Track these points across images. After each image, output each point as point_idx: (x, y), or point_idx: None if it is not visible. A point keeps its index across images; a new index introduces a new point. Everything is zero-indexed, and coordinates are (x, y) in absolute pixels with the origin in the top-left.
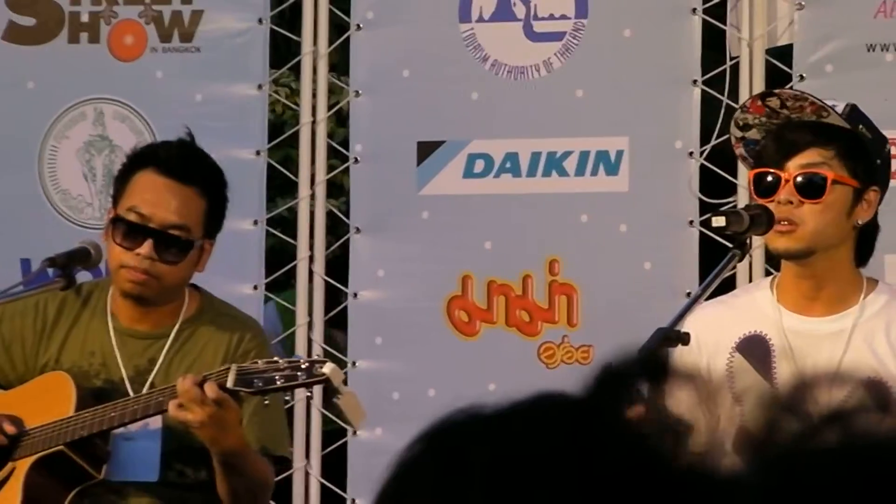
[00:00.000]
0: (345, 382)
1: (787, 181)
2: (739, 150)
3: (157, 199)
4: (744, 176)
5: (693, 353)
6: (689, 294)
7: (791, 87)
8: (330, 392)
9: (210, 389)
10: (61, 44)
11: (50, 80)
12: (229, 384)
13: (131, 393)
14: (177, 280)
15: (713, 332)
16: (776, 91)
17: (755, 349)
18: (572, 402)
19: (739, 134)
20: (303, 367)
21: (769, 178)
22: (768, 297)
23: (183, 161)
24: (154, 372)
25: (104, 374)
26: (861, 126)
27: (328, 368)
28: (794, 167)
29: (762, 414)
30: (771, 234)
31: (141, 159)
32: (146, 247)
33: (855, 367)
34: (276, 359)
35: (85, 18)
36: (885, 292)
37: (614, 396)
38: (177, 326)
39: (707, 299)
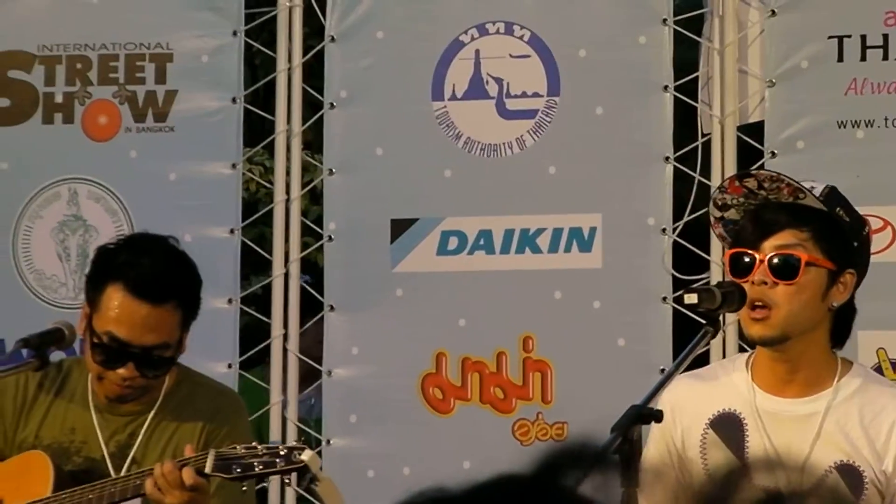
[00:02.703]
0: (320, 454)
1: (761, 262)
2: (718, 230)
3: (132, 323)
4: (717, 252)
5: (668, 425)
6: (662, 370)
7: (763, 164)
8: (308, 478)
9: (188, 476)
10: (35, 124)
11: (24, 160)
12: (207, 469)
13: (111, 470)
14: (160, 382)
15: (689, 406)
16: (753, 172)
17: (728, 426)
18: (531, 482)
19: (718, 214)
20: (281, 453)
21: (745, 259)
22: (743, 376)
23: (154, 281)
24: (135, 447)
25: (85, 451)
26: (839, 208)
27: (306, 455)
28: (769, 248)
29: (697, 498)
30: (746, 320)
31: (111, 273)
32: (128, 368)
33: (828, 449)
34: (254, 444)
35: (59, 99)
36: (859, 375)
37: (562, 476)
38: (158, 402)
39: (684, 372)
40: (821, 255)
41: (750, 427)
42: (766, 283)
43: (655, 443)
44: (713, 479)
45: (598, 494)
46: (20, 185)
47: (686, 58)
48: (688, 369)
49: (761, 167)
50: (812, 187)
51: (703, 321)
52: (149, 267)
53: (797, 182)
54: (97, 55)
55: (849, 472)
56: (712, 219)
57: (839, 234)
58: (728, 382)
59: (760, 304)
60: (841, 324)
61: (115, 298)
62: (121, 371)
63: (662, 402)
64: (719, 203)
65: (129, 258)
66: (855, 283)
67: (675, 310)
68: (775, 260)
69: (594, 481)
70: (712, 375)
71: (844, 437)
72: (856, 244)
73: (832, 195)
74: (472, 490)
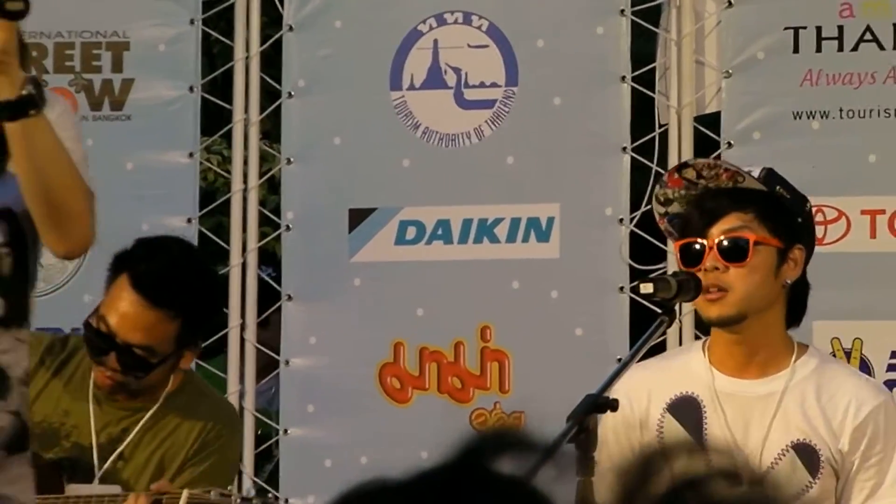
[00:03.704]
0: (276, 446)
1: (710, 248)
2: (664, 225)
3: (124, 316)
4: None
5: (625, 413)
6: (619, 360)
7: (720, 154)
8: None
9: None
10: None
11: None
12: None
13: (96, 462)
14: (149, 384)
15: (644, 392)
16: (690, 162)
17: (686, 410)
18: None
19: (662, 210)
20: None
21: (694, 247)
22: (700, 358)
23: (158, 284)
24: (125, 442)
25: (74, 436)
26: (778, 187)
27: None
28: (717, 233)
29: (621, 481)
30: (702, 302)
31: (126, 262)
32: (111, 359)
33: (786, 428)
34: (229, 490)
35: None
36: (815, 356)
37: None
38: (158, 403)
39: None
40: (768, 234)
41: (708, 409)
42: (717, 269)
43: (612, 431)
44: (630, 463)
45: (553, 483)
46: None
47: (643, 48)
48: (643, 358)
49: (718, 157)
50: (749, 171)
51: (660, 310)
52: (159, 267)
53: (734, 166)
54: (53, 43)
55: (805, 451)
56: (657, 215)
57: (782, 211)
58: (684, 367)
59: (715, 288)
60: (796, 301)
61: (121, 288)
62: (105, 360)
63: (617, 391)
64: (661, 199)
65: (147, 254)
66: (805, 259)
67: (631, 300)
68: (724, 244)
69: (548, 470)
70: (668, 362)
71: (802, 416)
72: (800, 220)
73: (770, 175)
74: (413, 478)
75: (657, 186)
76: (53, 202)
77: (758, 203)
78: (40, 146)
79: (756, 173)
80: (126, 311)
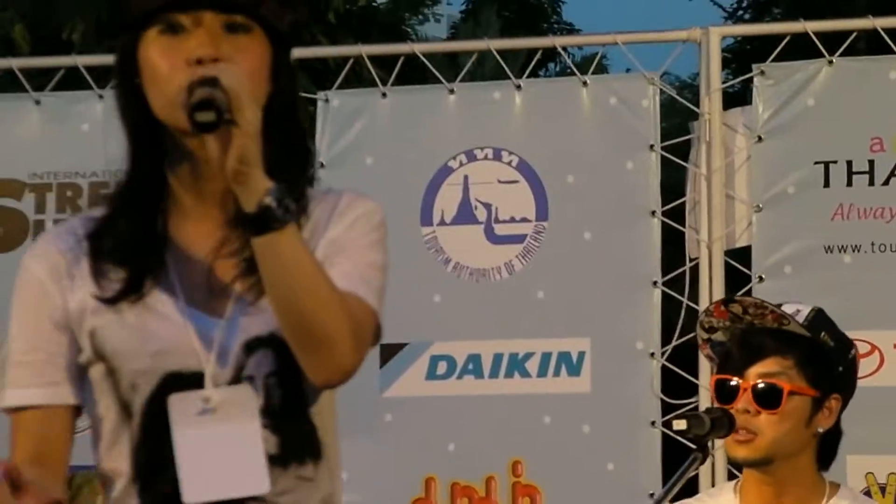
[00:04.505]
0: None
1: (745, 390)
2: (706, 351)
3: None
4: (706, 376)
5: None
6: (651, 495)
7: (750, 289)
8: None
9: None
10: (25, 252)
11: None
12: None
13: None
14: None
15: None
16: (737, 298)
17: None
18: None
19: (705, 336)
20: None
21: (730, 385)
22: (731, 499)
23: None
24: None
25: None
26: (823, 333)
27: None
28: (753, 376)
29: None
30: (730, 442)
31: None
32: None
33: None
34: None
35: (50, 226)
36: (846, 497)
37: None
38: None
39: (671, 501)
40: (804, 383)
41: None
42: (749, 412)
43: None
44: None
45: None
46: (7, 311)
47: (673, 181)
48: (677, 496)
49: (749, 292)
50: (798, 310)
51: (693, 446)
52: None
53: (781, 310)
54: (88, 182)
55: None
56: (700, 340)
57: (824, 359)
58: None
59: (745, 430)
60: (827, 447)
61: None
62: None
63: None
64: (706, 326)
65: None
66: (840, 407)
67: (664, 434)
68: (759, 387)
69: None
70: (699, 502)
71: None
72: (841, 368)
73: (817, 319)
74: None
75: (702, 314)
76: (304, 324)
77: (799, 349)
78: (287, 262)
79: (804, 315)
80: None
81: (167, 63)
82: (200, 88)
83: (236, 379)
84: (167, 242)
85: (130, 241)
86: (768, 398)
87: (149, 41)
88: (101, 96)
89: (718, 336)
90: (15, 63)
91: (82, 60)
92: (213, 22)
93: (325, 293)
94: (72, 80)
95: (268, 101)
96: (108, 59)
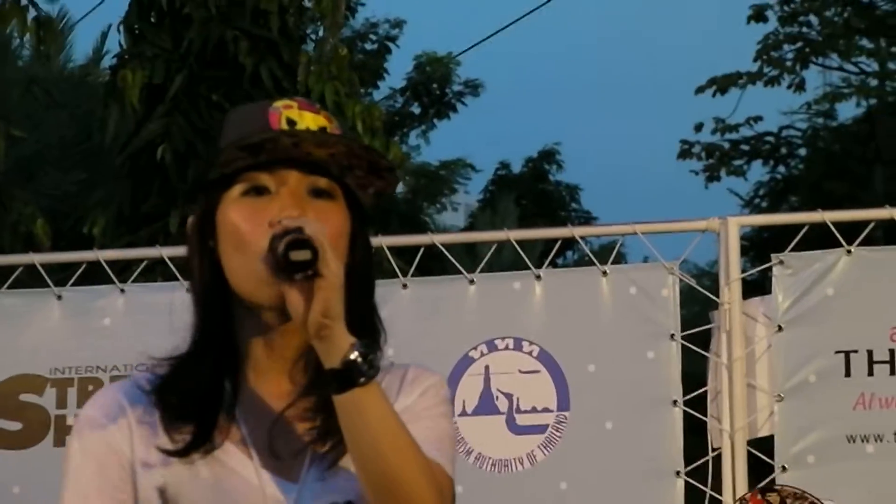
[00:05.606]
0: None
1: None
2: None
3: None
4: None
5: None
6: None
7: (773, 479)
8: None
9: None
10: (47, 447)
11: (36, 484)
12: None
13: None
14: None
15: None
16: (777, 487)
17: None
18: None
19: None
20: None
21: None
22: None
23: None
24: None
25: None
26: None
27: None
28: None
29: None
30: None
31: None
32: None
33: None
34: None
35: (71, 421)
36: None
37: None
38: None
39: None
40: None
41: None
42: None
43: None
44: None
45: None
46: None
47: (694, 370)
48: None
49: (772, 482)
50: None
51: None
52: None
53: (818, 499)
54: (109, 377)
55: None
56: None
57: None
58: None
59: None
60: None
61: None
62: None
63: None
64: None
65: None
66: None
67: None
68: None
69: None
70: None
71: None
72: None
73: None
74: None
75: (740, 501)
76: (389, 483)
77: None
78: (372, 419)
79: None
80: None
81: (249, 225)
82: (288, 235)
83: None
84: (237, 400)
85: (198, 395)
86: None
87: (230, 202)
88: (122, 290)
89: None
90: (37, 258)
91: (104, 255)
92: (298, 184)
93: (411, 452)
94: (93, 275)
95: (344, 272)
96: (129, 253)
